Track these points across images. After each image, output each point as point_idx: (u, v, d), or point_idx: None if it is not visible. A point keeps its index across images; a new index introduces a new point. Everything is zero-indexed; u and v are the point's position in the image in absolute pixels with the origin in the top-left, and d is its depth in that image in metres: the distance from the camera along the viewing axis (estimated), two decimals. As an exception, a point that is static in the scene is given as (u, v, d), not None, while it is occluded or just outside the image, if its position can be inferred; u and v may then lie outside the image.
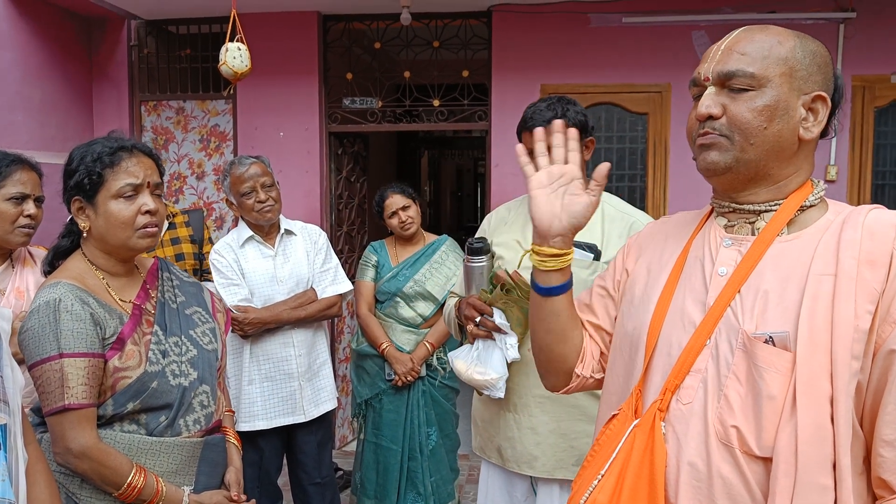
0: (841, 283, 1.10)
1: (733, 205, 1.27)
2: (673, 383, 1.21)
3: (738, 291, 1.19)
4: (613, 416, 1.33)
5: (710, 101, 1.22)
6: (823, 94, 1.19)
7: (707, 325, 1.20)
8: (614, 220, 2.21)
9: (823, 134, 1.25)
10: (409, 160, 8.96)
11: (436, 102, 4.81)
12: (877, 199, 4.49)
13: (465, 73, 4.75)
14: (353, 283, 3.75)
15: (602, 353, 1.48)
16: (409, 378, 3.35)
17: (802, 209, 1.22)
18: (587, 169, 2.29)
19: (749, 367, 1.13)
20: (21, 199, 2.22)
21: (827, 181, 4.42)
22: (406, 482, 3.43)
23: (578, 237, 2.16)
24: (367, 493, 3.49)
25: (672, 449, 1.19)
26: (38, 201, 2.29)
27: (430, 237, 3.63)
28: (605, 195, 2.30)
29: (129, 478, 1.64)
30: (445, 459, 3.47)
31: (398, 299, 3.46)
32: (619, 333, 1.39)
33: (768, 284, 1.17)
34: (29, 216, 2.24)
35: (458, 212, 13.47)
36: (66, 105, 4.66)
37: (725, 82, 1.21)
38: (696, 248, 1.31)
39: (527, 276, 2.13)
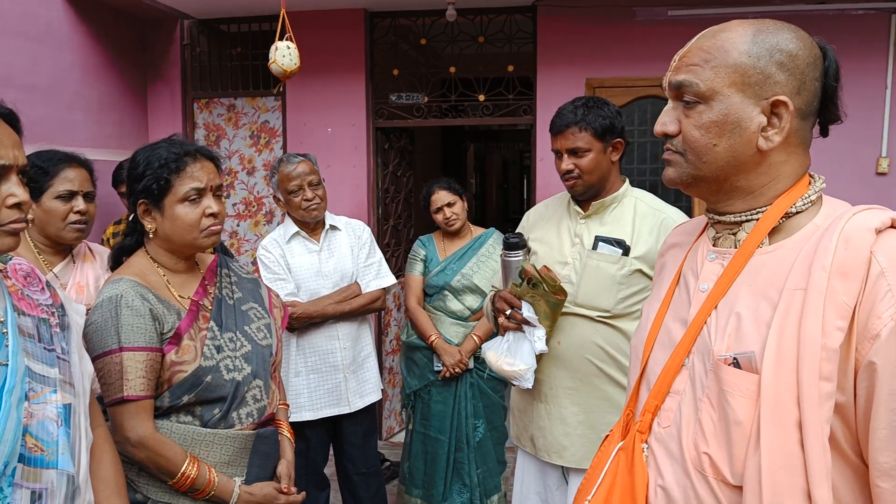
0: (809, 298, 1.01)
1: (715, 216, 1.21)
2: (652, 404, 1.19)
3: (715, 308, 1.14)
4: (606, 436, 1.33)
5: (667, 118, 1.18)
6: (783, 98, 1.08)
7: (684, 344, 1.16)
8: (645, 217, 2.25)
9: (831, 121, 1.17)
10: (455, 153, 8.99)
11: (481, 98, 4.83)
12: (930, 191, 4.39)
13: (510, 68, 4.76)
14: (400, 276, 3.81)
15: None
16: (457, 370, 3.40)
17: (788, 216, 1.13)
18: (620, 168, 2.33)
19: (719, 391, 1.07)
20: (69, 196, 2.25)
21: (879, 174, 4.32)
22: (452, 473, 3.48)
23: (607, 233, 2.22)
24: (414, 483, 3.55)
25: (653, 473, 1.16)
26: (88, 197, 2.32)
27: (478, 231, 3.67)
28: (639, 192, 2.34)
29: (183, 467, 1.71)
30: (493, 451, 3.51)
31: (446, 292, 3.52)
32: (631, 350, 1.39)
33: (743, 301, 1.10)
34: (79, 212, 2.26)
35: (504, 204, 13.47)
36: (122, 104, 4.81)
37: (678, 94, 1.16)
38: (689, 261, 1.27)
39: (558, 272, 2.20)
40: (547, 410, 2.28)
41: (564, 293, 2.14)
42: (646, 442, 1.19)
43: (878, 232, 1.01)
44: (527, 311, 2.13)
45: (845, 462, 1.01)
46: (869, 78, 4.31)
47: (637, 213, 2.26)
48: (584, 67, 4.61)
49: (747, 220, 1.16)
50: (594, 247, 2.23)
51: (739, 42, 1.10)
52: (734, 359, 1.06)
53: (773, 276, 1.08)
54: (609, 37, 4.58)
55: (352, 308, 3.11)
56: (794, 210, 1.12)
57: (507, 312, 2.17)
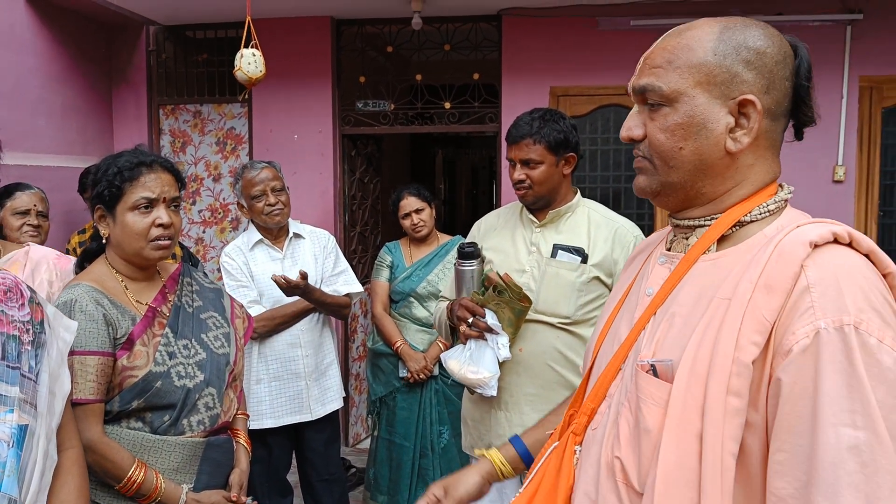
0: (730, 309, 0.96)
1: (674, 220, 1.18)
2: (589, 407, 1.16)
3: (654, 314, 1.10)
4: (550, 435, 1.30)
5: (632, 122, 1.13)
6: (750, 97, 1.03)
7: (623, 348, 1.13)
8: (600, 226, 2.31)
9: (805, 124, 1.13)
10: (423, 159, 9.02)
11: (447, 105, 4.86)
12: (885, 199, 4.49)
13: (476, 76, 4.80)
14: (366, 282, 3.82)
15: None
16: (422, 376, 3.42)
17: (742, 224, 1.08)
18: (573, 181, 2.38)
19: (637, 398, 1.04)
20: None
21: (835, 181, 4.43)
22: (417, 479, 3.49)
23: (567, 242, 2.26)
24: (380, 489, 3.56)
25: (581, 476, 1.13)
26: None
27: (444, 238, 3.70)
28: (592, 203, 2.40)
29: (130, 472, 1.72)
30: (457, 458, 3.52)
31: (412, 299, 3.54)
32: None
33: (678, 307, 1.06)
34: None
35: (474, 209, 13.51)
36: (86, 110, 4.77)
37: (643, 99, 1.11)
38: (645, 265, 1.24)
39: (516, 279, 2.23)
40: (507, 418, 2.30)
41: (529, 300, 2.17)
42: (580, 444, 1.16)
43: (816, 246, 0.96)
44: (490, 318, 2.15)
45: (760, 486, 0.94)
46: (825, 88, 4.40)
47: (591, 222, 2.32)
48: (549, 76, 4.67)
49: (700, 226, 1.11)
50: (553, 255, 2.27)
51: (705, 40, 1.05)
52: (652, 366, 1.03)
53: (710, 284, 1.03)
54: (573, 46, 4.64)
55: (324, 300, 3.06)
56: (748, 219, 1.07)
57: (470, 320, 2.18)
